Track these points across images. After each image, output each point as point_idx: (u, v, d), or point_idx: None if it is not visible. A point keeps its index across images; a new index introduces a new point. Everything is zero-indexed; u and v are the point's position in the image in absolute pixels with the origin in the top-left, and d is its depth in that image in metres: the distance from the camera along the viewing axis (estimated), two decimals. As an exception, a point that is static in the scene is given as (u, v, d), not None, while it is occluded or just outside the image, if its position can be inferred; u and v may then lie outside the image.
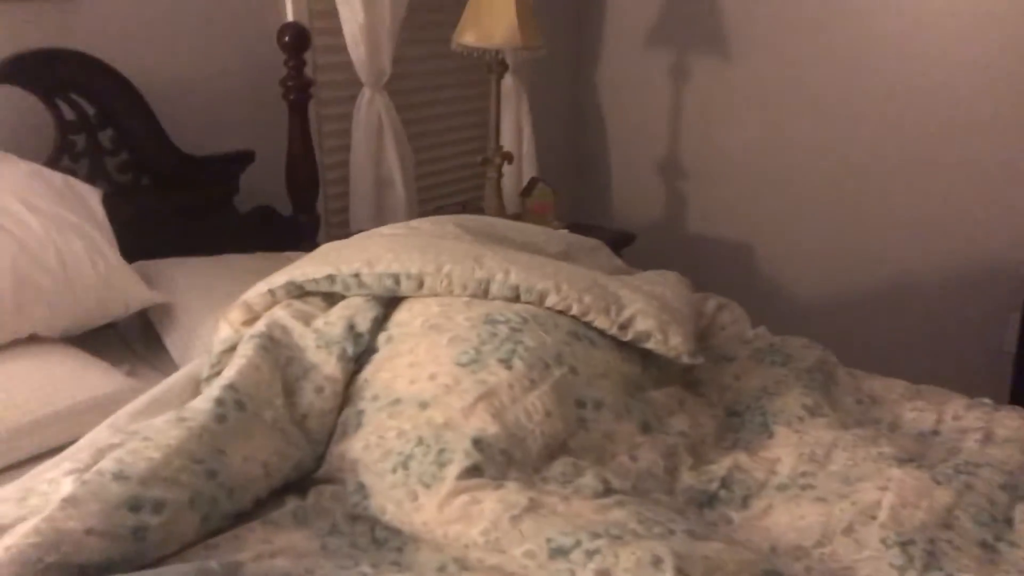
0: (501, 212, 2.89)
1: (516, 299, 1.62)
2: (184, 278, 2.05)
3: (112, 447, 1.31)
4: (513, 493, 1.28)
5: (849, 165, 3.04)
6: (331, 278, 1.66)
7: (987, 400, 1.74)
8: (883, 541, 1.29)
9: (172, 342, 1.93)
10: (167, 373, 1.78)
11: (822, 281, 3.19)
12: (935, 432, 1.64)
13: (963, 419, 1.66)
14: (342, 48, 2.68)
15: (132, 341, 2.01)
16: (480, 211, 2.96)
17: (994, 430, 1.60)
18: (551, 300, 1.61)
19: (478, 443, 1.36)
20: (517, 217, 2.82)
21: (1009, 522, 1.34)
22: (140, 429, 1.33)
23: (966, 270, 2.86)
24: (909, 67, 2.86)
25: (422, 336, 1.57)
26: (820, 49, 3.03)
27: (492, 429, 1.38)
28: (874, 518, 1.33)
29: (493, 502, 1.27)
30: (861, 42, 2.94)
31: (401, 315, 1.63)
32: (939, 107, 2.83)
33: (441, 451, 1.35)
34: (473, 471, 1.32)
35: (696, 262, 3.27)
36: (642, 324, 1.61)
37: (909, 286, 3.00)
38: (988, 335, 2.77)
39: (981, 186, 2.81)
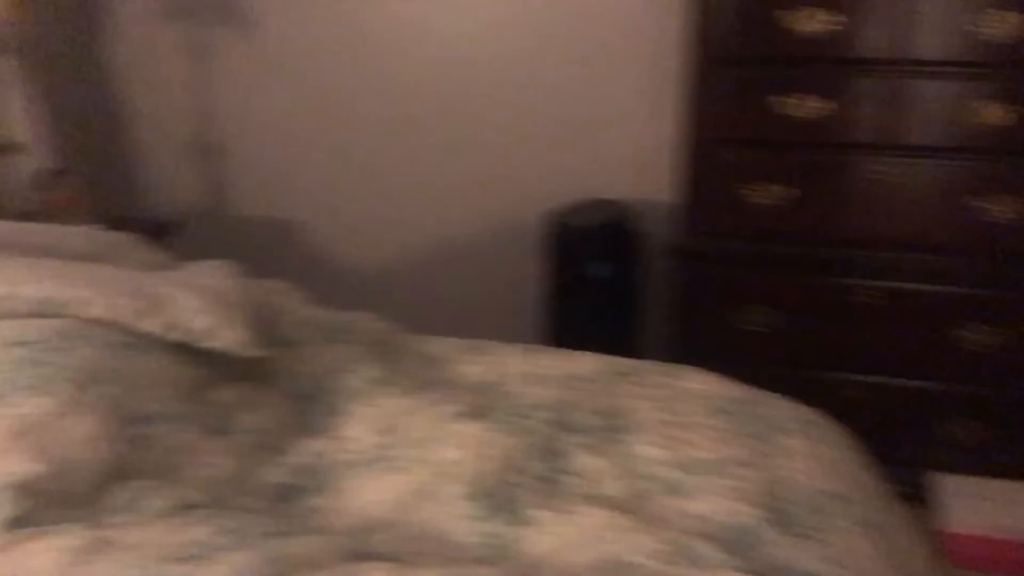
0: (6, 212, 2.51)
1: (46, 314, 1.43)
2: None
3: None
4: (74, 536, 1.14)
5: (384, 132, 3.11)
6: None
7: (528, 345, 1.92)
8: (460, 497, 1.36)
9: None
10: None
11: (373, 252, 3.26)
12: (488, 382, 1.74)
13: (507, 365, 1.80)
14: None
15: None
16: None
17: (535, 372, 1.76)
18: (88, 310, 1.44)
19: (21, 488, 1.18)
20: (32, 216, 2.48)
21: (563, 454, 1.49)
22: None
23: (499, 226, 3.11)
24: (429, 32, 2.99)
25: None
26: (335, 14, 3.01)
27: (36, 468, 1.21)
28: (451, 477, 1.40)
29: (50, 551, 1.12)
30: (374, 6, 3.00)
31: None
32: (462, 76, 3.00)
33: (-26, 505, 1.15)
34: (19, 521, 1.15)
35: (247, 244, 3.16)
36: (196, 322, 1.50)
37: (452, 247, 3.19)
38: (523, 283, 3.06)
39: (502, 148, 3.05)
